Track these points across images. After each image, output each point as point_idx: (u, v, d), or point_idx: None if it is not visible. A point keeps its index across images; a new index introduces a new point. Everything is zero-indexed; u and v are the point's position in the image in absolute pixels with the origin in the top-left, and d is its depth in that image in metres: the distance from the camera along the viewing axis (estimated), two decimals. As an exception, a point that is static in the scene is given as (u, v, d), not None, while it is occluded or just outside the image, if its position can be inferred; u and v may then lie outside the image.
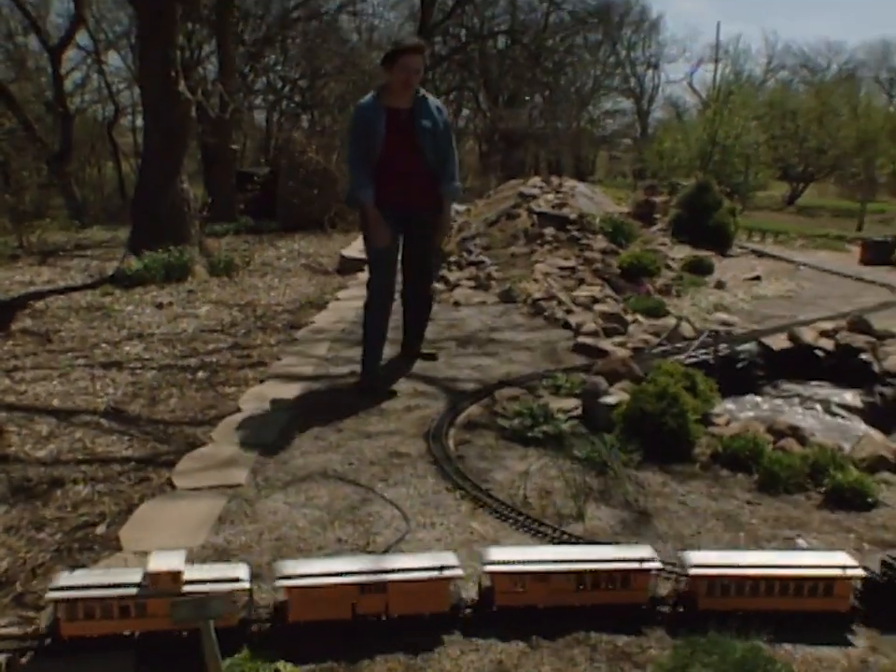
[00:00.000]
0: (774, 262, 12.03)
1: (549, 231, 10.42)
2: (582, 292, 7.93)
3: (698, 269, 10.19)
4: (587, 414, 4.45)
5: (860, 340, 6.60)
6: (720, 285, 9.41)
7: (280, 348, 6.26)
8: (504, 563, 2.65)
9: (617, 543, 3.15)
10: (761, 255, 12.99)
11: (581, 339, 6.15)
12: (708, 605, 2.66)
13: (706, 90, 40.24)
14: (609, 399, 4.41)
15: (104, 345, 6.34)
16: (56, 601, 2.44)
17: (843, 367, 6.44)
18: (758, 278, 10.20)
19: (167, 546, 3.06)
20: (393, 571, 2.60)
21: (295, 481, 3.70)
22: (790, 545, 3.23)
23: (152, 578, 2.44)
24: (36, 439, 4.34)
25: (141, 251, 9.21)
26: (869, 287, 9.99)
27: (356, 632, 2.56)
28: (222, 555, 3.02)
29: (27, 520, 3.41)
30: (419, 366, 5.52)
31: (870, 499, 3.63)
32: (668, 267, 9.92)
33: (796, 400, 6.07)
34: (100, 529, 3.32)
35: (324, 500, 3.50)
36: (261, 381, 5.36)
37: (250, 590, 2.58)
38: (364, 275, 5.75)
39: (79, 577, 2.50)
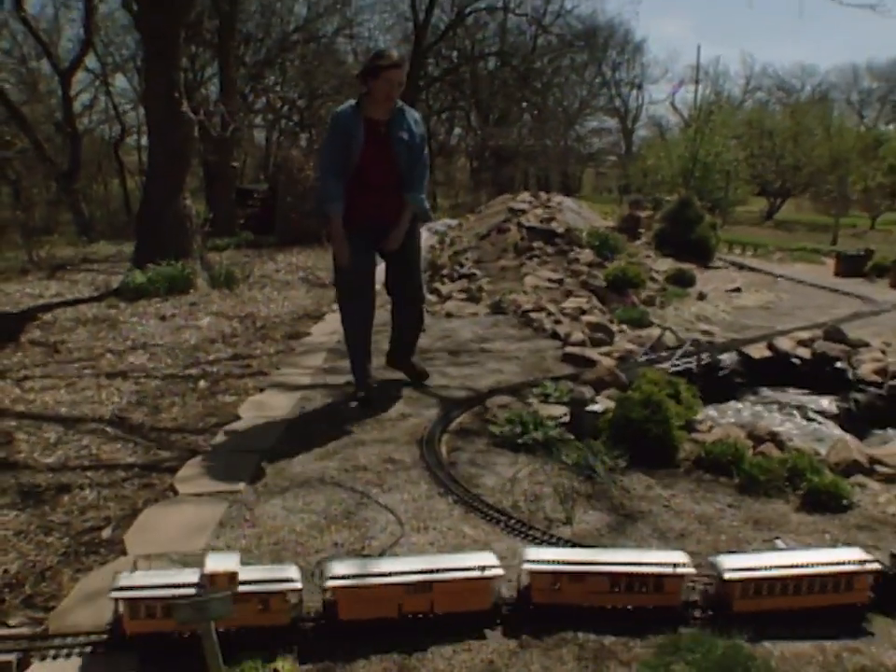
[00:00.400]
0: (753, 274, 12.09)
1: (538, 244, 10.46)
2: (570, 303, 7.95)
3: (681, 281, 10.23)
4: (575, 422, 4.44)
5: (835, 349, 6.63)
6: (701, 296, 9.45)
7: (278, 358, 6.25)
8: (542, 562, 2.66)
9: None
10: (741, 267, 13.06)
11: (569, 349, 6.15)
12: (743, 607, 2.67)
13: (687, 109, 40.60)
14: (596, 407, 4.40)
15: (109, 356, 6.32)
16: (120, 600, 2.46)
17: (819, 374, 6.48)
18: (738, 290, 10.25)
19: (170, 550, 3.06)
20: (437, 571, 2.61)
21: (293, 486, 3.69)
22: (769, 546, 3.23)
23: (210, 578, 2.45)
24: (45, 445, 4.32)
25: (145, 265, 9.20)
26: (843, 298, 10.05)
27: (402, 629, 2.57)
28: (223, 559, 3.00)
29: (36, 524, 3.39)
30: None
31: (844, 501, 3.64)
32: (652, 279, 9.96)
33: (775, 407, 6.09)
34: (105, 533, 3.31)
35: (321, 505, 3.49)
36: (261, 390, 5.34)
37: (300, 590, 2.58)
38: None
39: (138, 577, 2.51)
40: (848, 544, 3.16)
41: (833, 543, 3.26)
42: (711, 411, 5.69)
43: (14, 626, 2.64)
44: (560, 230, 11.19)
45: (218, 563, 2.50)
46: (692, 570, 2.70)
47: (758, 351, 6.71)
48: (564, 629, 2.60)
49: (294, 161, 16.00)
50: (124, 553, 3.10)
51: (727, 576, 2.68)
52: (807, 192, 38.44)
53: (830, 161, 34.13)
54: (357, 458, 4.03)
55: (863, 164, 32.65)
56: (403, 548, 3.09)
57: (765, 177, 35.75)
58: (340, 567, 2.59)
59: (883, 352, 6.72)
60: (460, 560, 2.69)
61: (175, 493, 3.67)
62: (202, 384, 5.54)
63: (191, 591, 2.42)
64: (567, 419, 4.50)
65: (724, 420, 5.59)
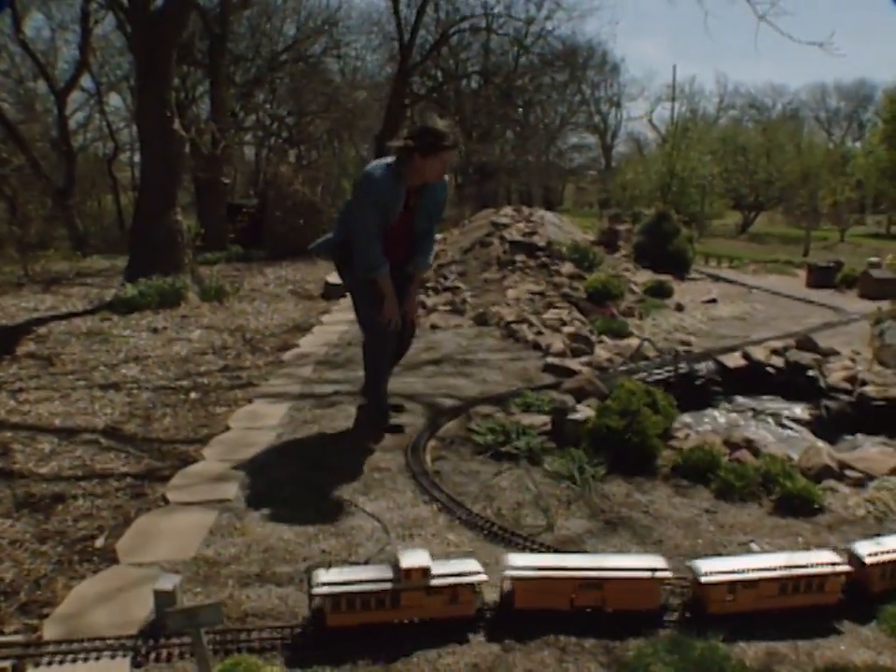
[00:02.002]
0: (729, 286, 12.13)
1: (520, 257, 10.47)
2: (551, 315, 7.96)
3: (659, 292, 10.26)
4: (556, 430, 4.45)
5: (807, 357, 6.66)
6: (679, 307, 9.48)
7: (268, 370, 6.24)
8: (718, 573, 2.71)
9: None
10: (717, 279, 13.10)
11: (551, 359, 6.17)
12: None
13: (664, 126, 40.85)
14: (577, 416, 4.41)
15: (102, 368, 6.29)
16: (323, 595, 2.56)
17: (792, 383, 6.50)
18: (714, 301, 10.29)
19: (160, 559, 3.05)
20: (610, 569, 2.69)
21: (281, 495, 3.68)
22: (743, 550, 3.25)
23: (406, 573, 2.59)
24: (39, 456, 4.29)
25: (137, 279, 9.17)
26: (815, 308, 10.10)
27: (571, 622, 2.66)
28: (213, 567, 2.99)
29: (31, 533, 3.38)
30: (398, 385, 5.40)
31: (816, 505, 3.67)
32: (631, 291, 9.98)
33: (750, 414, 6.11)
34: (99, 542, 3.29)
35: (309, 514, 3.48)
36: (250, 401, 5.33)
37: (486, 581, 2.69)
38: (346, 301, 5.59)
39: (335, 574, 2.63)
40: (820, 547, 3.18)
41: (806, 546, 3.28)
42: (688, 418, 5.70)
43: (9, 633, 2.63)
44: (542, 243, 11.21)
45: (412, 559, 2.64)
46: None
47: (733, 360, 6.73)
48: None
49: (283, 177, 15.99)
50: (116, 561, 3.09)
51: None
52: (780, 206, 38.71)
53: (800, 175, 34.43)
54: (344, 467, 4.03)
55: (832, 179, 32.94)
56: (389, 555, 3.08)
57: (739, 191, 35.94)
58: (516, 560, 2.72)
59: (852, 360, 6.76)
60: (628, 561, 2.79)
61: (167, 502, 3.66)
62: (193, 395, 5.52)
63: (388, 585, 2.58)
64: (548, 428, 4.51)
65: (701, 427, 5.61)
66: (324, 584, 2.56)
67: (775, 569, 2.74)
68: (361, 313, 4.57)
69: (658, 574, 2.69)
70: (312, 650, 2.52)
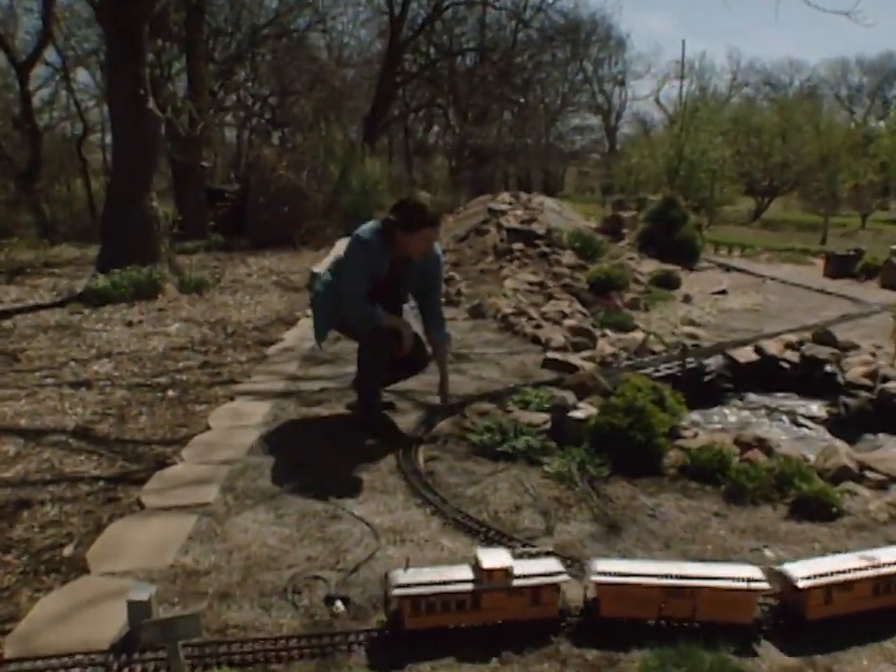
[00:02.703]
0: (740, 276, 12.17)
1: (518, 246, 10.49)
2: (551, 307, 7.98)
3: (666, 283, 10.29)
4: (556, 429, 4.46)
5: (824, 352, 6.68)
6: (687, 298, 9.50)
7: (250, 366, 6.23)
8: (815, 577, 2.69)
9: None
10: (727, 269, 13.14)
11: (550, 354, 6.18)
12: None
13: (672, 106, 40.83)
14: (578, 414, 4.42)
15: (72, 364, 6.27)
16: (401, 597, 2.58)
17: (808, 378, 6.53)
18: (724, 292, 10.32)
19: (134, 568, 3.03)
20: (702, 578, 2.68)
21: (265, 498, 3.68)
22: (756, 556, 3.25)
23: (487, 573, 2.63)
24: (3, 459, 4.27)
25: (110, 269, 9.14)
26: (833, 299, 10.14)
27: (659, 632, 2.66)
28: (191, 576, 2.98)
29: (-6, 542, 3.36)
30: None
31: (834, 509, 3.66)
32: (636, 281, 10.01)
33: (763, 412, 6.14)
34: (67, 551, 3.27)
35: (293, 518, 3.48)
36: (232, 399, 5.32)
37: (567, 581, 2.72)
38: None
39: (412, 575, 2.65)
40: (838, 553, 3.19)
41: (823, 552, 3.28)
42: (697, 416, 5.72)
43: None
44: (541, 231, 11.23)
45: (493, 558, 2.67)
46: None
47: (745, 355, 6.75)
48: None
49: (266, 160, 15.97)
50: (87, 571, 3.07)
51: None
52: (796, 191, 38.69)
53: (819, 158, 34.32)
54: (332, 468, 4.03)
55: (853, 161, 32.86)
56: (379, 562, 3.09)
57: (753, 175, 35.96)
58: (603, 565, 2.73)
59: (873, 355, 6.77)
60: (720, 570, 2.76)
61: (142, 507, 3.65)
62: (170, 393, 5.51)
63: (469, 587, 2.62)
64: (548, 426, 4.51)
65: (710, 426, 5.63)
66: (402, 586, 2.59)
67: (866, 569, 2.74)
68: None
69: (754, 585, 2.67)
70: (392, 652, 2.56)
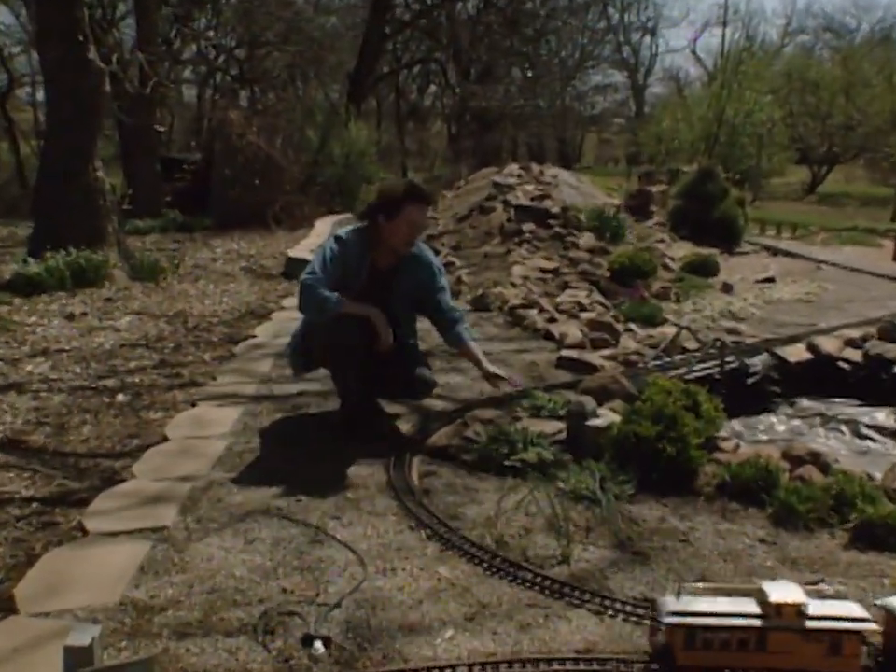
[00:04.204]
0: (791, 261, 12.18)
1: (528, 227, 10.50)
2: (567, 298, 8.00)
3: (701, 269, 10.30)
4: (572, 439, 4.47)
5: (892, 350, 6.66)
6: (726, 288, 9.51)
7: (216, 366, 6.25)
8: None
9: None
10: (775, 252, 13.16)
11: (566, 352, 6.19)
12: None
13: (712, 59, 40.70)
14: (598, 422, 4.43)
15: (0, 364, 6.28)
16: (674, 626, 2.57)
17: (872, 381, 6.51)
18: (772, 279, 10.33)
19: (74, 606, 3.00)
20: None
21: (232, 521, 3.69)
22: (812, 591, 3.26)
23: (776, 608, 2.56)
24: (-78, 475, 4.29)
25: (45, 251, 9.12)
26: (904, 288, 10.12)
27: None
28: (143, 613, 2.98)
29: None
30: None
31: (905, 536, 3.66)
32: (666, 267, 10.03)
33: (817, 421, 6.14)
34: (-8, 586, 3.25)
35: (266, 544, 3.49)
36: (193, 404, 5.34)
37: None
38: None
39: (686, 602, 2.62)
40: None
41: (894, 590, 3.27)
42: (738, 426, 5.74)
43: None
44: (555, 209, 11.24)
45: (783, 591, 2.62)
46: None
47: (796, 353, 6.75)
48: None
49: (233, 125, 15.94)
50: (14, 611, 3.00)
51: None
52: (861, 158, 38.45)
53: (890, 117, 34.00)
54: (312, 485, 4.03)
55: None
56: (366, 594, 3.10)
57: (808, 141, 35.78)
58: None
59: (952, 354, 6.77)
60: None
61: (85, 532, 3.64)
62: (120, 397, 5.53)
63: (755, 622, 2.56)
64: (562, 436, 4.52)
65: (754, 437, 5.65)
66: (675, 613, 2.57)
67: None
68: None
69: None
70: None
